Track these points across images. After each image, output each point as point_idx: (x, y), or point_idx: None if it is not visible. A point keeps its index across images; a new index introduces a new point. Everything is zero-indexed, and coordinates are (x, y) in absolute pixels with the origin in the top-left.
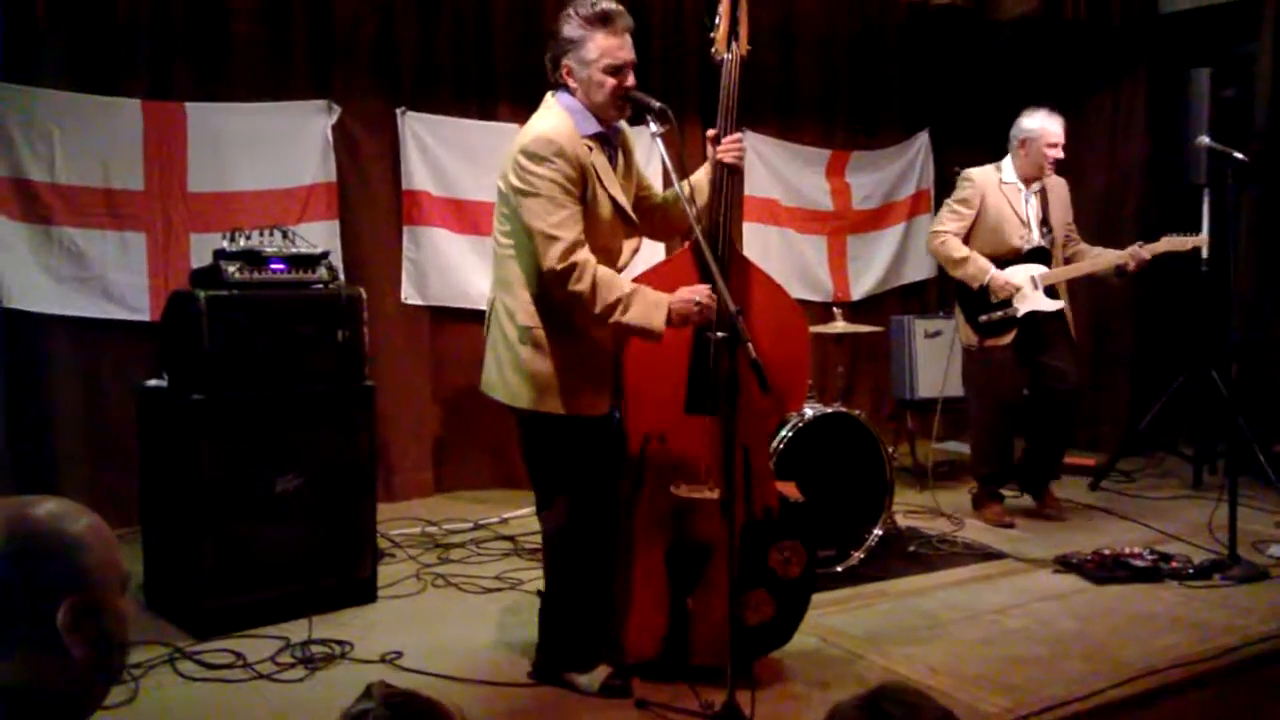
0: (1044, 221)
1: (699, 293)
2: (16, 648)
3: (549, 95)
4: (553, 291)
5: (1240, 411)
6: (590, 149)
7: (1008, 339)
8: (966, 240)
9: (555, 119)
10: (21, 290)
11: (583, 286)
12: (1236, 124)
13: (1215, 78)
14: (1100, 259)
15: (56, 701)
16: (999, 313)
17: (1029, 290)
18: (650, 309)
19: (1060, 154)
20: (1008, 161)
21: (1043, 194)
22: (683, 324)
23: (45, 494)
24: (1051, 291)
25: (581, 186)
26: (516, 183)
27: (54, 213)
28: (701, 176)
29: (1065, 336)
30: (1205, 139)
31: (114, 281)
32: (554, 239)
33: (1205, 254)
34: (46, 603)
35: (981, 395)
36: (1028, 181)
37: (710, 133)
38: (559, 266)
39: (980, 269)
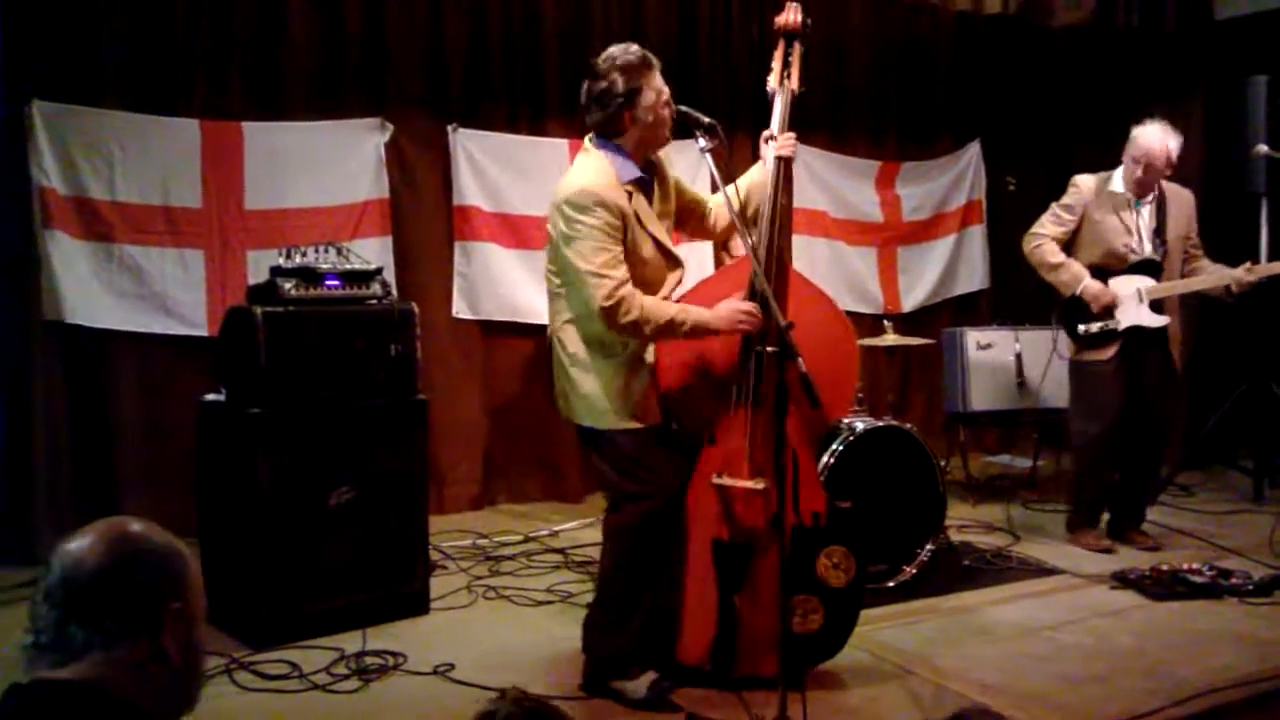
0: (1157, 233)
1: (744, 306)
2: (118, 641)
3: (588, 141)
4: (607, 325)
5: None
6: (630, 194)
7: (1109, 353)
8: (1071, 248)
9: (594, 170)
10: (83, 306)
11: (634, 316)
12: None
13: (1273, 85)
14: (1211, 276)
15: (144, 711)
16: (1098, 324)
17: (1133, 304)
18: (705, 315)
19: (1143, 172)
20: (1120, 170)
21: (1160, 204)
22: (734, 332)
23: (106, 505)
24: (1158, 307)
25: (623, 231)
26: (565, 229)
27: (114, 230)
28: (757, 177)
29: (1164, 358)
30: (1263, 147)
31: (173, 297)
32: (602, 278)
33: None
34: (152, 601)
35: (1080, 412)
36: (1137, 192)
37: (765, 134)
38: (607, 304)
39: (1074, 276)
